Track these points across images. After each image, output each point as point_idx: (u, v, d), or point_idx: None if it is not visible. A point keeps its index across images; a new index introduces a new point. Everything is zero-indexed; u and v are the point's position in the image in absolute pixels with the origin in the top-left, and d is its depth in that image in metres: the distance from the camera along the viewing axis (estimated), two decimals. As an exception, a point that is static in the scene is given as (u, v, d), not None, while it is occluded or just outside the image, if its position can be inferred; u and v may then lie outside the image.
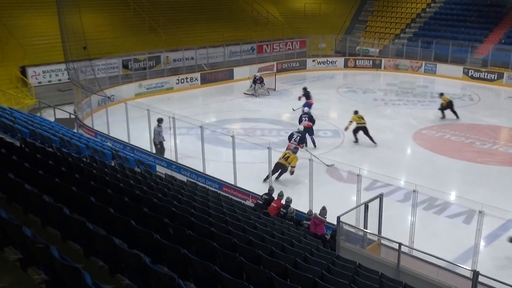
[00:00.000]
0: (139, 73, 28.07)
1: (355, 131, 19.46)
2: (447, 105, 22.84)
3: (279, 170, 15.58)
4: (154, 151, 17.35)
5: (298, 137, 17.35)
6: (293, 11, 40.48)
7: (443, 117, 22.82)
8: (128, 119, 18.40)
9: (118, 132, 18.81)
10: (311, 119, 19.27)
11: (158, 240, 6.40)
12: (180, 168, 16.01)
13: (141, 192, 9.42)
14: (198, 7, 35.44)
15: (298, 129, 18.15)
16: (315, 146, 18.83)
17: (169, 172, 15.40)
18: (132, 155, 15.65)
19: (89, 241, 6.17)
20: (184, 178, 14.67)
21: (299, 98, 23.33)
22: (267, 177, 14.70)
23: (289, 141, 17.18)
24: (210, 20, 34.31)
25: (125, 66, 27.70)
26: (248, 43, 33.69)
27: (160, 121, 17.12)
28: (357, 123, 19.51)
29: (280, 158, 15.48)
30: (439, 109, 23.03)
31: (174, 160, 16.54)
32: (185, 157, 16.94)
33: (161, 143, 17.26)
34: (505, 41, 33.18)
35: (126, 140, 18.02)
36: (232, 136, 14.74)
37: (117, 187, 9.26)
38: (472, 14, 36.77)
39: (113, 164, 12.99)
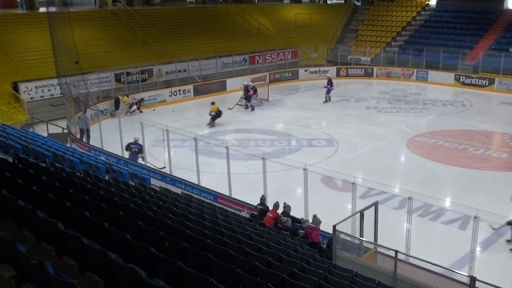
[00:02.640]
0: (132, 86, 28.07)
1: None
2: None
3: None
4: (80, 137, 19.86)
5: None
6: (285, 22, 40.69)
7: None
8: (122, 133, 18.37)
9: (112, 145, 18.76)
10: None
11: (154, 253, 6.36)
12: (174, 180, 15.97)
13: (135, 206, 9.38)
14: (189, 19, 35.59)
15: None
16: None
17: (163, 184, 15.35)
18: (126, 168, 15.58)
19: (84, 256, 6.13)
20: (178, 191, 14.63)
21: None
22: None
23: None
24: (202, 32, 34.44)
25: (118, 80, 27.69)
26: (240, 54, 33.78)
27: (85, 111, 20.82)
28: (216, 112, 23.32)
29: None
30: None
31: (169, 172, 16.50)
32: (179, 169, 16.91)
33: (87, 130, 20.15)
34: (495, 47, 33.46)
35: (120, 154, 17.97)
36: (226, 148, 14.73)
37: (111, 201, 9.22)
38: (462, 21, 37.12)
39: (107, 178, 12.93)
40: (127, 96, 25.42)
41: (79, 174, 12.04)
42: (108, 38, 30.30)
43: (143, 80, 28.71)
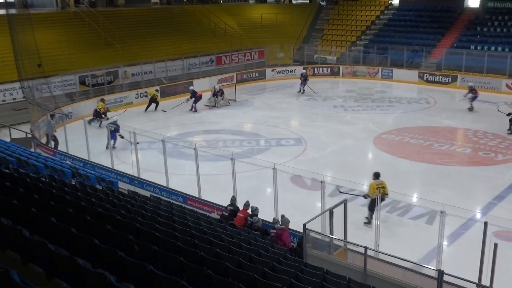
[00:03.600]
0: (97, 89, 27.62)
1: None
2: None
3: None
4: (47, 143, 19.81)
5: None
6: (250, 22, 40.73)
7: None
8: (87, 136, 18.06)
9: (78, 149, 18.42)
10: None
11: (123, 257, 6.26)
12: (143, 183, 15.79)
13: (103, 210, 9.23)
14: (154, 20, 35.25)
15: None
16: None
17: (131, 188, 15.14)
18: (93, 172, 15.32)
19: (51, 263, 5.99)
20: (147, 193, 14.46)
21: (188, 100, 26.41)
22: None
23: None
24: (168, 33, 34.16)
25: (82, 83, 27.21)
26: (207, 55, 33.65)
27: (52, 116, 20.79)
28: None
29: None
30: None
31: (137, 175, 16.30)
32: (147, 172, 16.73)
33: (54, 136, 19.99)
34: (457, 44, 34.24)
35: (86, 158, 17.67)
36: (195, 149, 14.64)
37: (78, 206, 9.04)
38: (425, 20, 37.84)
39: (73, 183, 12.70)
40: (102, 101, 24.49)
41: (44, 179, 11.79)
42: (71, 40, 29.73)
43: (109, 82, 28.30)
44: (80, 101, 26.00)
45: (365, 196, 13.63)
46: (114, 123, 19.62)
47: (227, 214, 12.75)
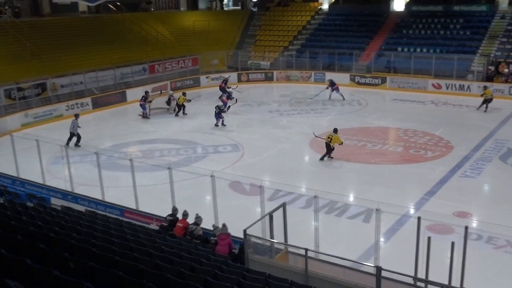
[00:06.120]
0: (24, 102, 26.50)
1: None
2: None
3: None
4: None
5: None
6: (183, 29, 40.45)
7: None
8: (16, 152, 17.25)
9: (5, 166, 17.56)
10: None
11: (58, 276, 6.02)
12: (77, 198, 15.25)
13: (35, 228, 8.84)
14: (83, 30, 34.32)
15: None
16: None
17: (65, 203, 14.60)
18: (22, 189, 14.68)
19: (-21, 287, 5.66)
20: (82, 208, 13.98)
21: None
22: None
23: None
24: (98, 42, 33.31)
25: (8, 96, 26.03)
26: (140, 63, 33.09)
27: (77, 116, 21.97)
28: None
29: None
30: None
31: (70, 190, 15.74)
32: (81, 186, 16.19)
33: (78, 134, 21.27)
34: (385, 47, 35.49)
35: (15, 174, 16.88)
36: (130, 160, 14.33)
37: (8, 226, 8.61)
38: (354, 24, 38.99)
39: (2, 201, 12.09)
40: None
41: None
42: (-5, 52, 28.46)
43: (37, 95, 27.24)
44: (6, 115, 24.86)
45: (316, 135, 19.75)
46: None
47: (166, 224, 12.54)
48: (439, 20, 36.26)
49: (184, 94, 27.23)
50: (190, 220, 12.23)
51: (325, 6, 42.22)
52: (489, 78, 30.72)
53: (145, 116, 26.45)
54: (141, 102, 26.38)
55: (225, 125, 24.27)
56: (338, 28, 39.18)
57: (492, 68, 31.06)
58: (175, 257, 8.75)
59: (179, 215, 12.52)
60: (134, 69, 32.49)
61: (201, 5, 49.14)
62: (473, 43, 33.36)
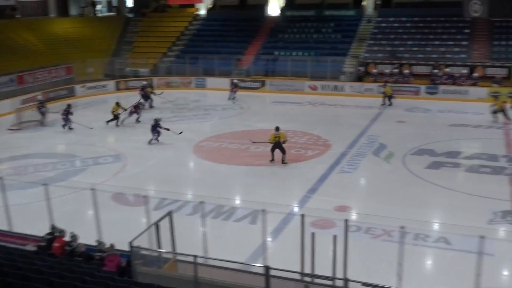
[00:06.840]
0: None
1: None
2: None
3: None
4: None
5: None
6: (54, 37, 38.37)
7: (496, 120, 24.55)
8: None
9: None
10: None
11: None
12: None
13: None
14: None
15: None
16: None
17: None
18: None
19: None
20: None
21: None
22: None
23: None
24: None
25: None
26: (6, 74, 30.81)
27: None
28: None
29: None
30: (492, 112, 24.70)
31: None
32: None
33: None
34: (263, 51, 36.44)
35: None
36: (0, 178, 13.24)
37: None
38: (231, 29, 39.57)
39: None
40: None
41: None
42: None
43: None
44: None
45: (253, 141, 20.39)
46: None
47: (44, 244, 11.74)
48: (312, 24, 37.99)
49: (117, 104, 25.72)
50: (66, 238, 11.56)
51: (202, 12, 42.43)
52: (360, 78, 32.74)
53: (67, 126, 24.94)
54: (63, 116, 24.79)
55: (158, 141, 22.17)
56: (216, 34, 39.48)
57: (362, 68, 33.14)
58: (56, 278, 8.22)
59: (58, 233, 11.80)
60: (1, 80, 30.20)
61: (73, 11, 46.91)
62: (344, 45, 35.38)
